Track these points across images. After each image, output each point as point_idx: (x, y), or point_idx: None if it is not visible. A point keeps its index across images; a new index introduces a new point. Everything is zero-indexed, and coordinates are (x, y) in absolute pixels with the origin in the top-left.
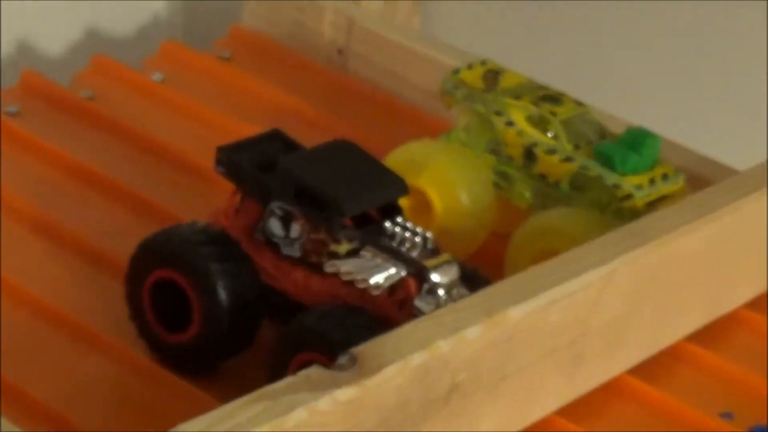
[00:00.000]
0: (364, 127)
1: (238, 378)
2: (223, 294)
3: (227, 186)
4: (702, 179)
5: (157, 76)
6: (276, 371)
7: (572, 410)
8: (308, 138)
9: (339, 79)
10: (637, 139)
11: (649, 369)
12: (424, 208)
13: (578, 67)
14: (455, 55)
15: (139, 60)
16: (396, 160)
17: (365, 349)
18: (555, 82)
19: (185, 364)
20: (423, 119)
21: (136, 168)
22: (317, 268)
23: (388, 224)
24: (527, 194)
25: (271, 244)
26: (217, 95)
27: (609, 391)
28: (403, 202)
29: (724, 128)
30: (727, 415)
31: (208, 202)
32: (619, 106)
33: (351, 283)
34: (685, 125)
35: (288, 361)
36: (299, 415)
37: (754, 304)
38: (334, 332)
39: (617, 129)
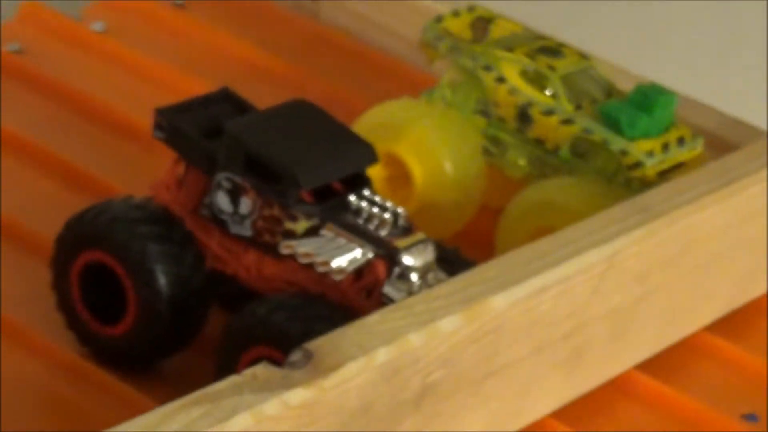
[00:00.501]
0: (337, 84)
1: (181, 377)
2: (162, 281)
3: (172, 154)
4: (726, 143)
5: (97, 26)
6: (224, 369)
7: (571, 412)
8: (272, 97)
9: (309, 27)
10: (649, 98)
11: (661, 364)
12: (402, 179)
13: (584, 12)
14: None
15: (77, 8)
16: (370, 123)
17: (322, 343)
18: (557, 30)
19: (119, 361)
20: (405, 74)
21: (68, 133)
22: (271, 250)
23: (352, 198)
24: (522, 162)
25: (218, 221)
26: (168, 48)
27: (614, 389)
28: (378, 172)
29: (754, 84)
30: (750, 417)
31: (154, 173)
32: (631, 58)
33: (310, 267)
34: (707, 80)
35: (238, 358)
36: (243, 420)
37: None
38: (290, 324)
39: (628, 85)
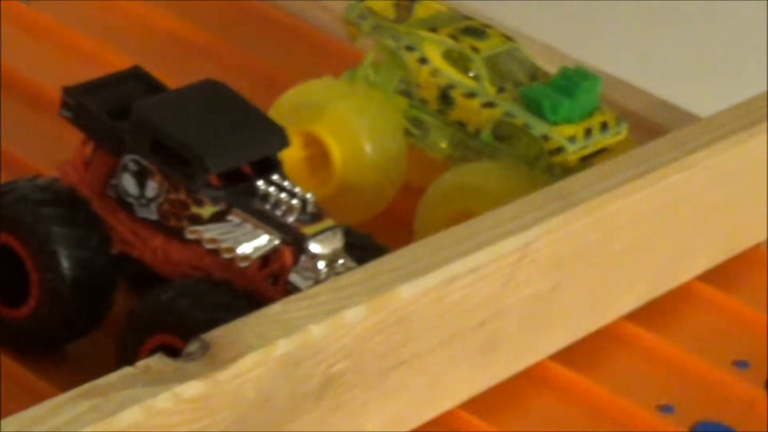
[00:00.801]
0: (263, 57)
1: (88, 361)
2: (66, 264)
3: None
4: (656, 127)
5: None
6: (126, 357)
7: (482, 403)
8: (194, 71)
9: None
10: (573, 81)
11: (577, 354)
12: (323, 159)
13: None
14: None
15: None
16: (291, 102)
17: (220, 334)
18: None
19: (24, 345)
20: (334, 48)
21: None
22: (177, 234)
23: (260, 183)
24: (443, 144)
25: (125, 204)
26: (90, 16)
27: (528, 380)
28: (298, 151)
29: (687, 65)
30: (666, 409)
31: (68, 148)
32: (562, 37)
33: (216, 253)
34: (639, 60)
35: (140, 345)
36: (132, 414)
37: (706, 277)
38: (192, 312)
39: (556, 64)
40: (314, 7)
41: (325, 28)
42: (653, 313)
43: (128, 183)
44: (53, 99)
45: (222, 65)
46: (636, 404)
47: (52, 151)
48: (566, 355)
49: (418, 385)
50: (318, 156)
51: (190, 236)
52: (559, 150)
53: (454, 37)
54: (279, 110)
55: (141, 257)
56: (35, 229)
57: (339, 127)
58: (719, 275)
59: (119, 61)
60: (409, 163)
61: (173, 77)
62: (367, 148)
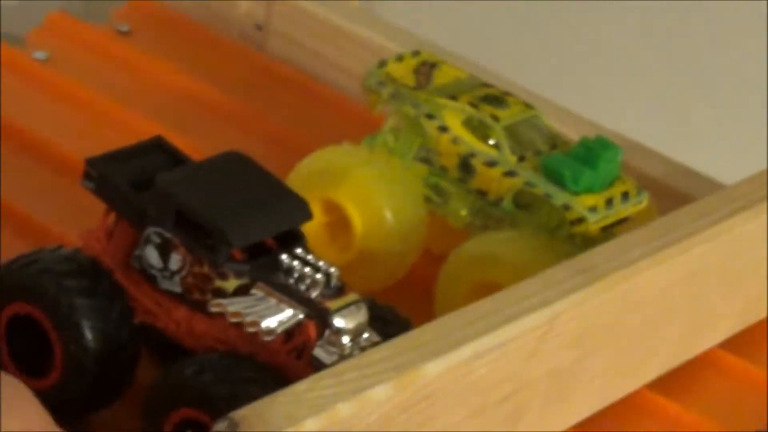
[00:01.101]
0: (284, 119)
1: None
2: (89, 336)
3: None
4: (679, 195)
5: (40, 55)
6: (151, 429)
7: None
8: (216, 134)
9: (256, 60)
10: (593, 152)
11: (601, 424)
12: (342, 226)
13: (536, 56)
14: (396, 37)
15: (20, 35)
16: (310, 168)
17: (248, 413)
18: (508, 71)
19: None
20: (354, 111)
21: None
22: (201, 307)
23: (284, 257)
24: (464, 212)
25: (148, 275)
26: (111, 78)
27: None
28: (318, 218)
29: (711, 132)
30: None
31: (91, 211)
32: (581, 103)
33: (240, 326)
34: (661, 126)
35: (163, 419)
36: None
37: (728, 345)
38: (217, 387)
39: (576, 130)
40: (335, 69)
41: (344, 90)
42: (675, 381)
43: (151, 255)
44: (78, 163)
45: (241, 128)
46: None
47: (78, 216)
48: (589, 425)
49: None
50: (338, 222)
51: (214, 309)
52: (581, 220)
53: (474, 105)
54: (299, 175)
55: (164, 328)
56: (59, 300)
57: (359, 194)
58: (742, 343)
59: (142, 125)
60: (429, 229)
61: (194, 140)
62: (388, 215)
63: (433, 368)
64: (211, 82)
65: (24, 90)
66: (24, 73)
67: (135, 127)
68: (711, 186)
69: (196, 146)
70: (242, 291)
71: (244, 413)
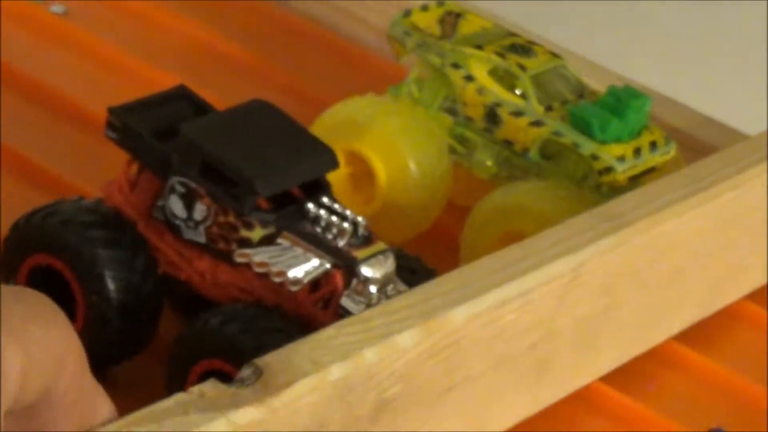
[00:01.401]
0: (305, 75)
1: (134, 384)
2: (112, 286)
3: None
4: (703, 146)
5: (57, 8)
6: (175, 381)
7: (533, 425)
8: (236, 88)
9: (278, 15)
10: (621, 101)
11: (627, 376)
12: (366, 177)
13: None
14: None
15: None
16: (334, 119)
17: (273, 359)
18: (532, 25)
19: None
20: (377, 66)
21: (19, 122)
22: (226, 257)
23: (311, 206)
24: (489, 163)
25: (171, 226)
26: (130, 33)
27: (578, 402)
28: (342, 169)
29: (736, 83)
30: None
31: (111, 167)
32: (609, 55)
33: (265, 276)
34: (686, 78)
35: (189, 369)
36: None
37: (756, 296)
38: (243, 337)
39: (603, 82)
40: (357, 24)
41: (366, 44)
42: (703, 333)
43: (175, 205)
44: (98, 118)
45: (262, 81)
46: (685, 427)
47: (97, 171)
48: (616, 377)
49: (470, 408)
50: (361, 174)
51: (239, 260)
52: (609, 170)
53: (500, 54)
54: (321, 127)
55: (188, 279)
56: (81, 251)
57: (383, 146)
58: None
59: (162, 79)
60: (454, 181)
61: (214, 94)
62: (412, 166)
63: (459, 315)
64: (231, 35)
65: (41, 44)
66: (42, 28)
67: (155, 81)
68: (735, 136)
69: (216, 100)
70: (268, 240)
71: (268, 359)
